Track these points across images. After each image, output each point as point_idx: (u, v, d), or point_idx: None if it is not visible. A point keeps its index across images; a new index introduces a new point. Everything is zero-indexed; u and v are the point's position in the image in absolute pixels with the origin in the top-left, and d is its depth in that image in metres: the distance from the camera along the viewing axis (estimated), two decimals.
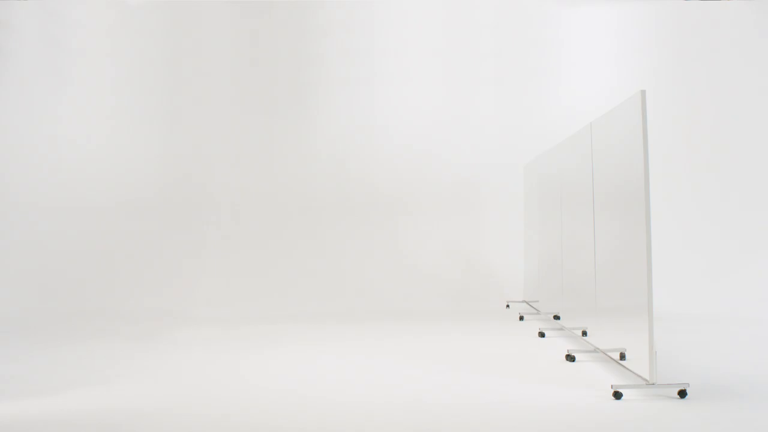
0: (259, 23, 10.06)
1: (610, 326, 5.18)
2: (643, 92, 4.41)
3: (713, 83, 9.84)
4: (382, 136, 9.93)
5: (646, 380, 4.37)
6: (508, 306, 9.02)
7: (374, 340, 6.69)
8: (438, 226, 9.77)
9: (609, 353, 5.26)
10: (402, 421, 3.94)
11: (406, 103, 9.99)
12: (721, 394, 4.37)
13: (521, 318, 7.92)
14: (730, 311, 8.08)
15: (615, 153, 4.99)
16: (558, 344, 6.24)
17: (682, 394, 4.29)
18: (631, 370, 4.70)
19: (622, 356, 5.03)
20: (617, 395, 4.30)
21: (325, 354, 5.99)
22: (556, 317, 7.26)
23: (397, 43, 10.06)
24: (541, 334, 6.72)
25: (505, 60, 10.04)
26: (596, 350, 5.56)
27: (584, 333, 5.99)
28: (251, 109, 9.98)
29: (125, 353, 6.13)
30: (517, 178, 9.53)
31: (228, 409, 4.22)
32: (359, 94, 10.00)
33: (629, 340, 4.67)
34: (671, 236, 9.22)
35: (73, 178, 9.74)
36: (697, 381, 4.65)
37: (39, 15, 9.86)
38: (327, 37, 10.05)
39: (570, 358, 5.51)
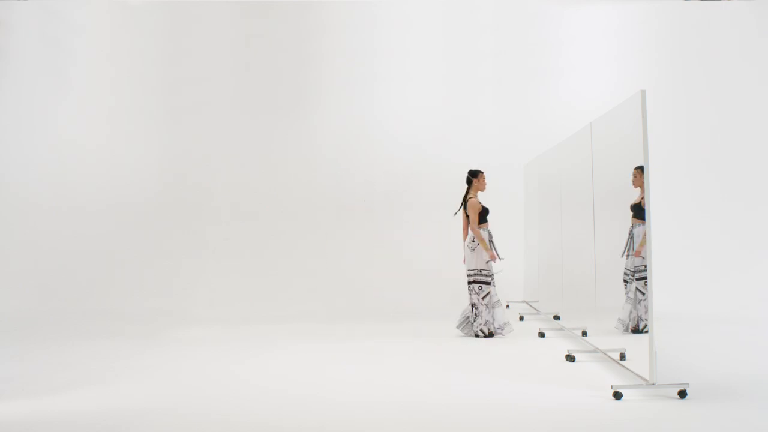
0: (259, 23, 10.06)
1: (610, 326, 5.18)
2: (643, 92, 4.41)
3: (713, 83, 9.83)
4: (382, 136, 9.93)
5: (646, 380, 4.37)
6: (508, 306, 9.01)
7: (374, 340, 6.69)
8: (438, 226, 9.76)
9: (609, 353, 5.26)
10: (402, 421, 3.94)
11: (406, 103, 9.99)
12: (721, 394, 4.37)
13: (521, 318, 7.92)
14: (730, 311, 8.07)
15: (615, 153, 4.99)
16: (558, 344, 6.24)
17: (682, 394, 4.28)
18: (631, 370, 4.70)
19: (622, 356, 5.03)
20: (617, 395, 4.30)
21: (325, 354, 5.98)
22: (556, 317, 7.26)
23: (397, 43, 10.06)
24: (541, 334, 6.71)
25: (505, 60, 10.03)
26: (596, 350, 5.56)
27: (584, 333, 5.99)
28: (251, 109, 9.97)
29: (125, 353, 6.13)
30: (517, 178, 9.52)
31: (228, 409, 4.22)
32: (359, 94, 9.99)
33: (629, 340, 4.67)
34: (671, 236, 9.21)
35: (73, 178, 9.74)
36: (697, 381, 4.64)
37: (39, 15, 9.86)
38: (327, 37, 10.05)
39: (570, 358, 5.51)
